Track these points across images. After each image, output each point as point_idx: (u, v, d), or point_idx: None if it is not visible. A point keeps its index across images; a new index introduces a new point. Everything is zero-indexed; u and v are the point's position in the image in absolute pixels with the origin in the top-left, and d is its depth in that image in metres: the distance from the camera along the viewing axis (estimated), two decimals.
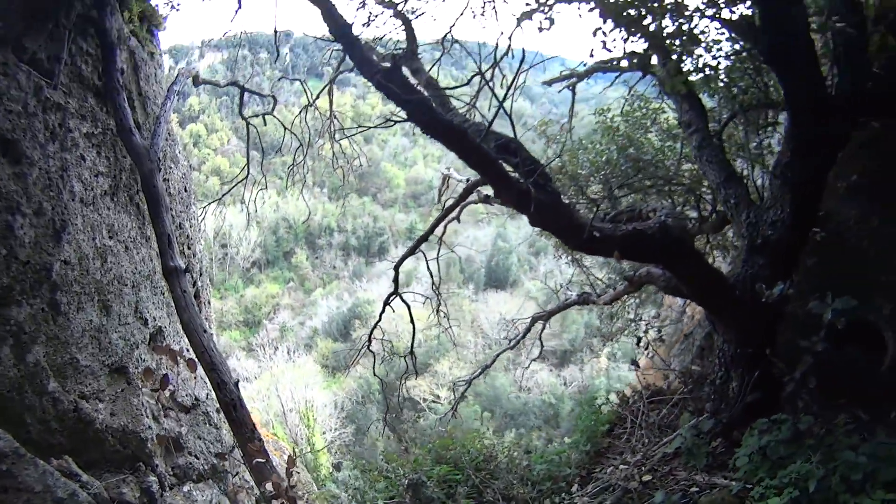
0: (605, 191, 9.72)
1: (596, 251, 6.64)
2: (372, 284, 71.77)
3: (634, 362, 10.13)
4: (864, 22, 6.23)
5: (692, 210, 10.38)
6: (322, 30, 6.54)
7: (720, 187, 7.35)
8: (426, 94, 7.41)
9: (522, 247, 67.13)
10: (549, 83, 11.01)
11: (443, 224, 9.35)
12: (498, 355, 13.58)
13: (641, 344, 10.82)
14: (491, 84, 6.45)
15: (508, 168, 6.77)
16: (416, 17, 7.58)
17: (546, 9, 6.71)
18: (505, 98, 6.06)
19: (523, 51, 6.40)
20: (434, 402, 45.78)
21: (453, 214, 9.63)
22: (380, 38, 8.40)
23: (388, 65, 6.23)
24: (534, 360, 15.99)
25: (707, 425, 7.24)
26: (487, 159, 6.31)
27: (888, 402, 6.49)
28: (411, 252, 8.94)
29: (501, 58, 6.81)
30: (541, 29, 6.76)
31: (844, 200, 7.00)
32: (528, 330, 12.49)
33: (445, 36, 7.86)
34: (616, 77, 10.34)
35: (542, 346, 13.32)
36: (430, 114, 6.10)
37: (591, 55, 7.43)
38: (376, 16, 7.99)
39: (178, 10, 8.37)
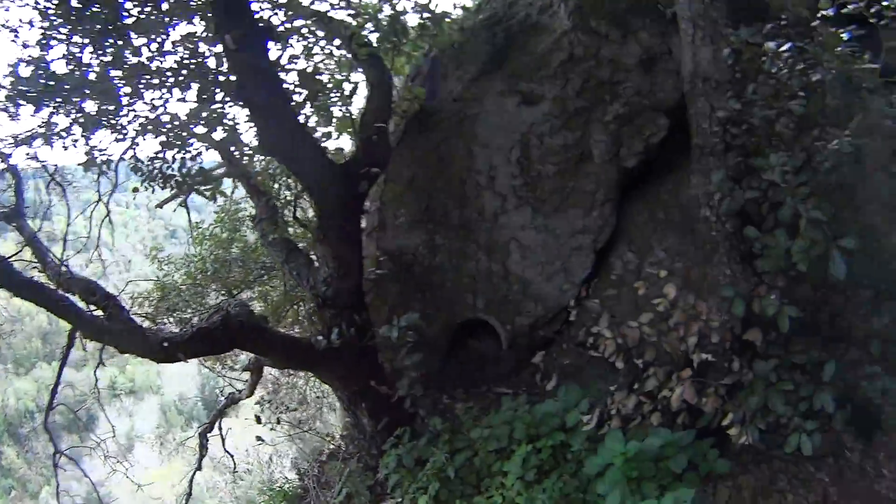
0: (221, 293, 10.07)
1: (172, 359, 6.79)
2: (96, 461, 62.88)
3: (259, 438, 10.46)
4: (390, 89, 7.37)
5: None
6: None
7: (284, 264, 7.82)
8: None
9: None
10: (160, 205, 11.06)
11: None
12: (192, 479, 12.75)
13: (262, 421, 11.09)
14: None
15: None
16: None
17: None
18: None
19: None
20: None
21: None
22: None
23: None
24: (235, 471, 15.18)
25: (354, 465, 7.67)
26: (58, 306, 6.60)
27: (516, 374, 7.40)
28: (49, 406, 9.61)
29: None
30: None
31: (410, 232, 7.71)
32: (203, 446, 11.81)
33: (50, 182, 8.12)
34: None
35: (231, 455, 12.70)
36: (9, 276, 6.49)
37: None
38: None
39: None
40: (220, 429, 12.09)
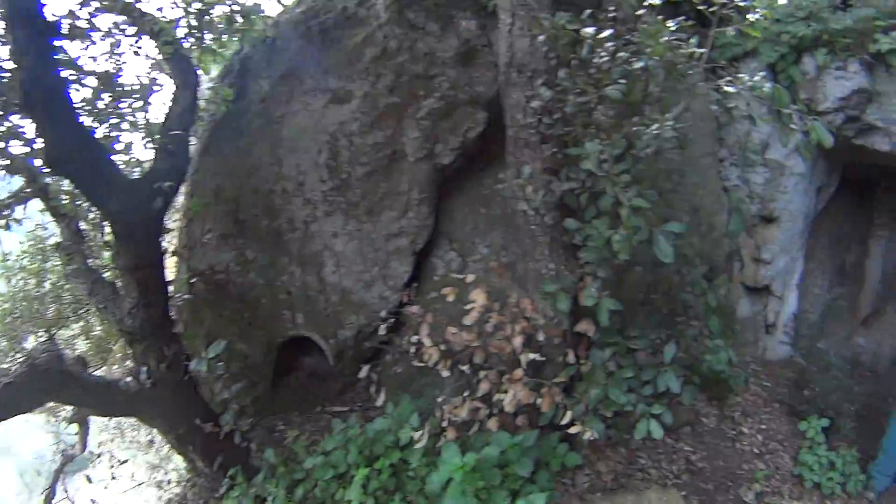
0: (39, 335, 9.12)
1: None
2: None
3: (94, 501, 9.74)
4: (196, 91, 6.71)
5: None
6: None
7: (90, 296, 6.98)
8: None
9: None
10: None
11: None
12: None
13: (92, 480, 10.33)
14: None
15: None
16: None
17: None
18: None
19: None
20: None
21: None
22: None
23: None
24: None
25: None
26: None
27: (350, 390, 7.17)
28: None
29: None
30: None
31: (220, 249, 7.13)
32: None
33: None
34: None
35: None
36: None
37: None
38: None
39: None
40: (66, 490, 11.00)
